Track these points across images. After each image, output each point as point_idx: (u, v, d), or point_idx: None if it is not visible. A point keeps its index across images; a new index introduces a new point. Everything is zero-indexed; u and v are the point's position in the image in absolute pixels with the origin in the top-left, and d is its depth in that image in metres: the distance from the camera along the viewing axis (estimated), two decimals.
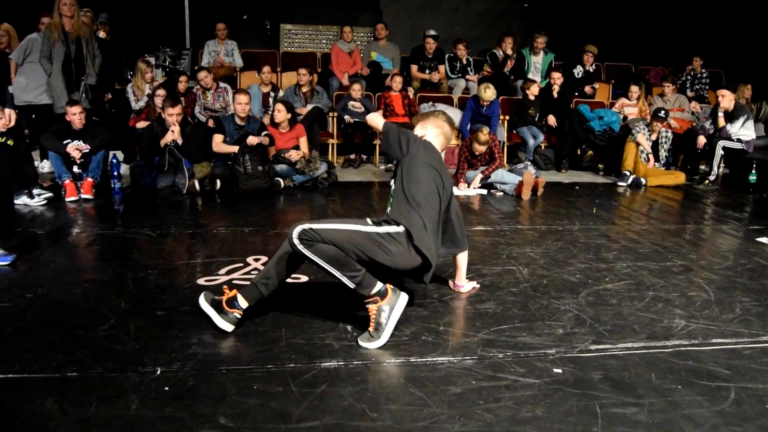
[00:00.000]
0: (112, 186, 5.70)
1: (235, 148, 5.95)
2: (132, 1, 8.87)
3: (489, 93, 7.36)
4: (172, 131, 5.79)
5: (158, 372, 2.38)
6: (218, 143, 6.13)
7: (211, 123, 7.08)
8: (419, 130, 3.19)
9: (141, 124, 6.89)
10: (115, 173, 5.70)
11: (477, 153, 6.38)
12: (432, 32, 8.61)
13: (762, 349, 2.81)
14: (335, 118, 7.73)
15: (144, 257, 3.88)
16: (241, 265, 3.72)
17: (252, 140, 5.94)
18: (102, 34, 7.69)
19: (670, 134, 7.35)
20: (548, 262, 4.00)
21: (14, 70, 6.62)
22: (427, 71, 8.64)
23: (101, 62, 6.47)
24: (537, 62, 8.93)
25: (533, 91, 7.83)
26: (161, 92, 6.69)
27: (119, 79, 7.82)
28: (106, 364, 2.44)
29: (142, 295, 3.21)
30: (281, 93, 7.75)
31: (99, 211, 5.12)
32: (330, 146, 7.80)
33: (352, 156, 7.75)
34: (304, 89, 7.66)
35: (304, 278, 3.51)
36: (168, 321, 2.87)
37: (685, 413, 2.23)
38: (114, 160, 5.72)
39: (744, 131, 7.08)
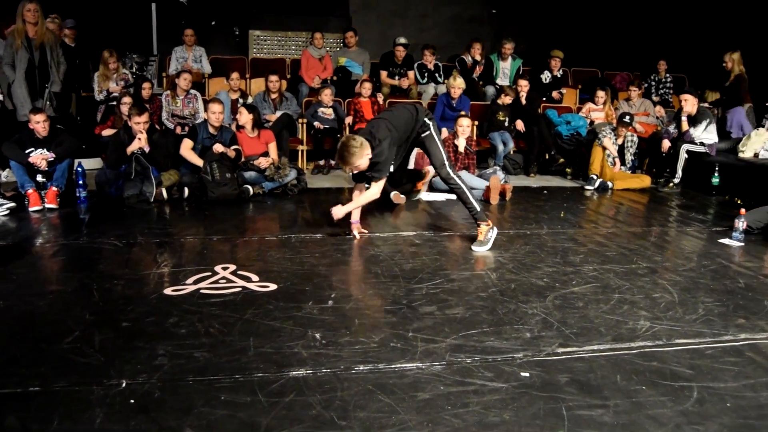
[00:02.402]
0: (78, 195, 5.60)
1: (200, 162, 5.90)
2: (98, 8, 8.76)
3: (459, 80, 7.69)
4: (139, 139, 5.72)
5: (123, 384, 2.35)
6: (187, 148, 6.07)
7: (179, 130, 7.03)
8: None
9: (107, 132, 6.81)
10: (81, 182, 5.60)
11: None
12: (402, 40, 8.67)
13: (723, 349, 2.87)
14: (305, 125, 7.72)
15: (110, 267, 3.82)
16: (209, 273, 3.69)
17: (218, 148, 5.90)
18: (68, 41, 7.60)
19: (635, 138, 7.48)
20: (516, 266, 4.04)
21: None
22: (397, 77, 8.67)
23: (66, 69, 6.39)
24: (505, 68, 9.05)
25: (505, 100, 7.94)
26: (127, 100, 6.63)
27: (85, 86, 7.72)
28: (70, 377, 2.40)
29: (108, 306, 3.16)
30: (250, 99, 7.71)
31: (64, 221, 5.04)
32: (299, 153, 7.79)
33: (322, 162, 7.74)
34: (273, 96, 7.63)
35: (272, 286, 3.50)
36: (134, 332, 2.83)
37: (649, 413, 2.27)
38: (79, 169, 5.62)
39: (707, 135, 7.23)
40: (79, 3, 8.40)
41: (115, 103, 7.11)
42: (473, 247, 4.39)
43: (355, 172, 4.34)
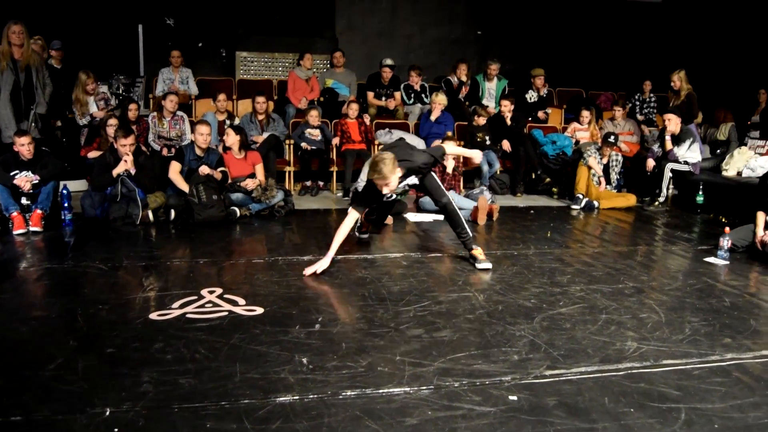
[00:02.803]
0: (63, 218, 5.56)
1: (186, 187, 5.88)
2: (85, 29, 8.76)
3: (441, 97, 7.97)
4: (125, 161, 5.69)
5: (107, 413, 2.31)
6: (175, 171, 6.05)
7: (165, 152, 7.01)
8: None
9: (92, 154, 6.77)
10: (66, 204, 5.56)
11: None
12: (389, 62, 8.74)
13: (710, 369, 2.87)
14: (292, 146, 7.73)
15: (95, 292, 3.79)
16: (196, 297, 3.66)
17: (204, 170, 5.89)
18: (54, 62, 7.59)
19: (620, 157, 7.55)
20: (504, 287, 4.04)
21: None
22: (383, 98, 8.72)
23: (52, 91, 6.36)
24: (491, 88, 9.13)
25: (479, 121, 8.03)
26: (113, 122, 6.61)
27: (71, 107, 7.68)
28: (52, 406, 2.36)
29: (92, 331, 3.13)
30: (237, 121, 7.72)
31: (48, 244, 4.99)
32: (287, 174, 7.79)
33: (309, 183, 7.75)
34: (260, 117, 7.64)
35: (259, 310, 3.47)
36: (118, 358, 2.80)
37: None
38: (64, 191, 5.58)
39: (690, 153, 7.31)
40: (66, 24, 8.40)
41: (98, 124, 7.08)
42: (484, 266, 4.44)
43: (388, 192, 4.29)
